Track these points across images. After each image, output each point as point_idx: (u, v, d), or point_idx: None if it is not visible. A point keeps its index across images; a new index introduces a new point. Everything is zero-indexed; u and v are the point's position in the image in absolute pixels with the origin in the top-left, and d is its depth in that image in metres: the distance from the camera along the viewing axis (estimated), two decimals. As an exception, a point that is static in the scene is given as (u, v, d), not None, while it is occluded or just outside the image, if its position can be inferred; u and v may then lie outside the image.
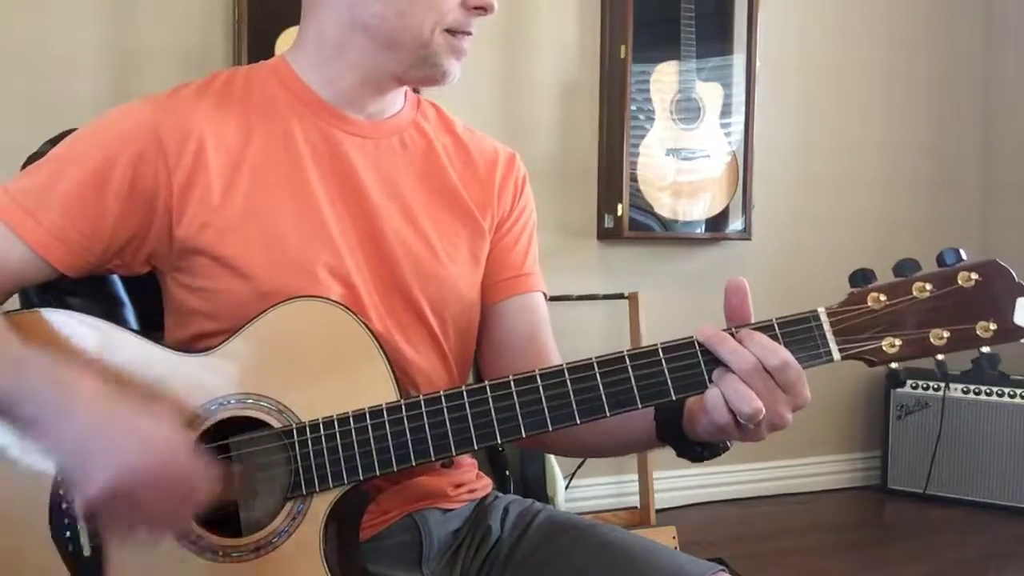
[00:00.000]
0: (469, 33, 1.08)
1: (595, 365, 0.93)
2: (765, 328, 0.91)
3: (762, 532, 3.00)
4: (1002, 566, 2.75)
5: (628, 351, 0.93)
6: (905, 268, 0.91)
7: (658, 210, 3.02)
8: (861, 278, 0.92)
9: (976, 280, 0.89)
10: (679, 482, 3.09)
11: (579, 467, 2.78)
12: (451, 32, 1.06)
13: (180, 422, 0.95)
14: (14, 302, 1.05)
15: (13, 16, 2.43)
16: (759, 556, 2.71)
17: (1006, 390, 3.16)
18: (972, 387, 3.20)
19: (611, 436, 1.09)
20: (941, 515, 3.13)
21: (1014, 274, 0.89)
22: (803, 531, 3.03)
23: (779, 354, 0.89)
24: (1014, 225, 3.55)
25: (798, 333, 0.91)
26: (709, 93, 3.08)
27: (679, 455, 1.03)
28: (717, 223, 3.14)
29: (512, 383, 0.94)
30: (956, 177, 3.63)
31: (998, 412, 3.17)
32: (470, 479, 1.19)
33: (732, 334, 0.91)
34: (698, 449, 1.01)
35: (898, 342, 0.90)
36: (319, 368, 0.98)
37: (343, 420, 0.96)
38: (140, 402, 0.93)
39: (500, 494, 1.22)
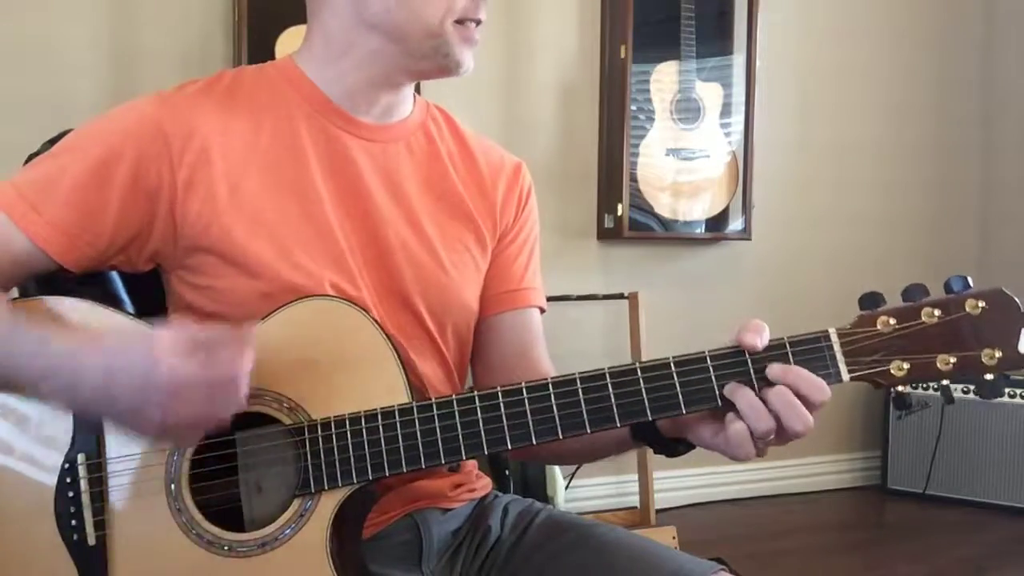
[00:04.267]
0: (479, 21, 1.07)
1: (607, 375, 0.94)
2: (777, 347, 0.93)
3: (762, 532, 2.99)
4: (1002, 566, 2.75)
5: (640, 363, 0.94)
6: (914, 293, 0.93)
7: (658, 210, 3.02)
8: (870, 301, 0.94)
9: (983, 308, 0.91)
10: (679, 482, 3.09)
11: (579, 467, 2.78)
12: (461, 21, 1.06)
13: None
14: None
15: (13, 16, 2.43)
16: (759, 556, 2.71)
17: (1006, 390, 3.16)
18: (972, 387, 3.19)
19: (586, 441, 1.09)
20: (941, 515, 3.13)
21: (1020, 303, 0.91)
22: (803, 531, 3.03)
23: (823, 390, 0.91)
24: (1013, 225, 3.55)
25: (809, 352, 0.93)
26: (709, 93, 3.08)
27: (656, 452, 1.03)
28: (717, 223, 3.14)
29: (524, 390, 0.95)
30: (955, 177, 3.63)
31: (998, 412, 3.16)
32: (470, 479, 1.19)
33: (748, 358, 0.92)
34: (674, 444, 1.01)
35: (906, 365, 0.92)
36: (332, 367, 0.98)
37: (354, 419, 0.96)
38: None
39: (500, 494, 1.22)
